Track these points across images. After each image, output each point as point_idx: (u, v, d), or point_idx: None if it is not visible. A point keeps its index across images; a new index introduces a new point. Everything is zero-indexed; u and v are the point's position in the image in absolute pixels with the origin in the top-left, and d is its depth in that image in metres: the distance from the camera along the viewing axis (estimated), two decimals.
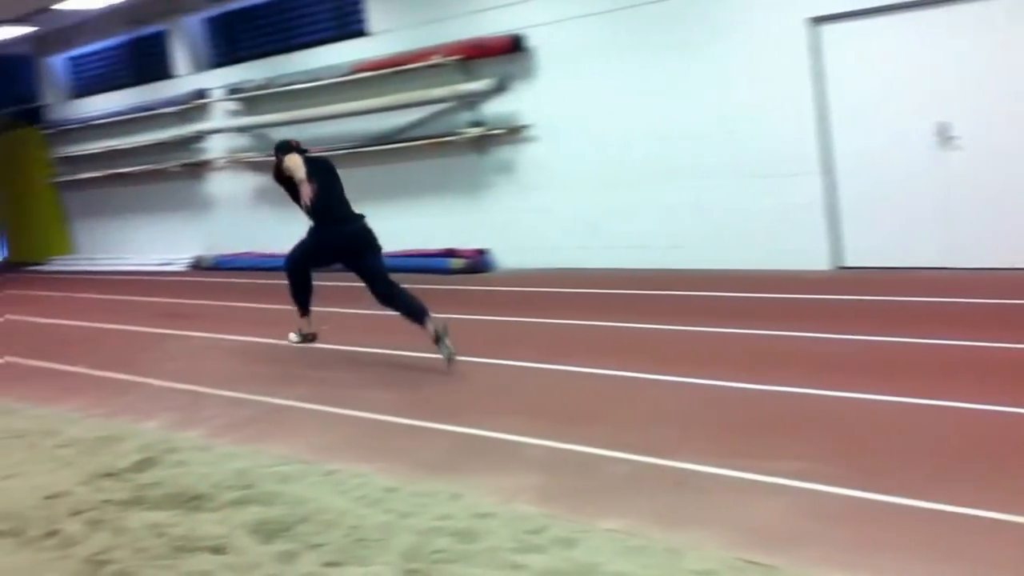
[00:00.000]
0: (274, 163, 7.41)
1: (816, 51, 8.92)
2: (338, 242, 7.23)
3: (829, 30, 8.86)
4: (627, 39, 10.06)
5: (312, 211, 7.08)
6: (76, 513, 4.60)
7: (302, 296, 7.67)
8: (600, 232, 10.61)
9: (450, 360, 6.76)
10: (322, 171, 7.28)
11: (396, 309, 7.14)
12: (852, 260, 9.05)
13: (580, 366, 6.54)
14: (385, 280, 7.17)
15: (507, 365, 6.89)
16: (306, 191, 6.92)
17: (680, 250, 9.93)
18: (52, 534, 4.37)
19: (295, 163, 6.98)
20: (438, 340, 6.78)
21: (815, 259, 9.08)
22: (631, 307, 8.53)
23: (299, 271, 7.54)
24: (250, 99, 14.18)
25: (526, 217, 11.27)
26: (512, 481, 4.55)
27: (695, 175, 9.77)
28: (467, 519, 4.07)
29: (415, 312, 6.99)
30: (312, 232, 7.22)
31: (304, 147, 7.59)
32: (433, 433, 5.48)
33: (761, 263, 9.30)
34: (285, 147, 7.41)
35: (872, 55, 8.69)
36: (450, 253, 11.75)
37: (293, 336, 7.90)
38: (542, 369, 6.64)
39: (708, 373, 6.01)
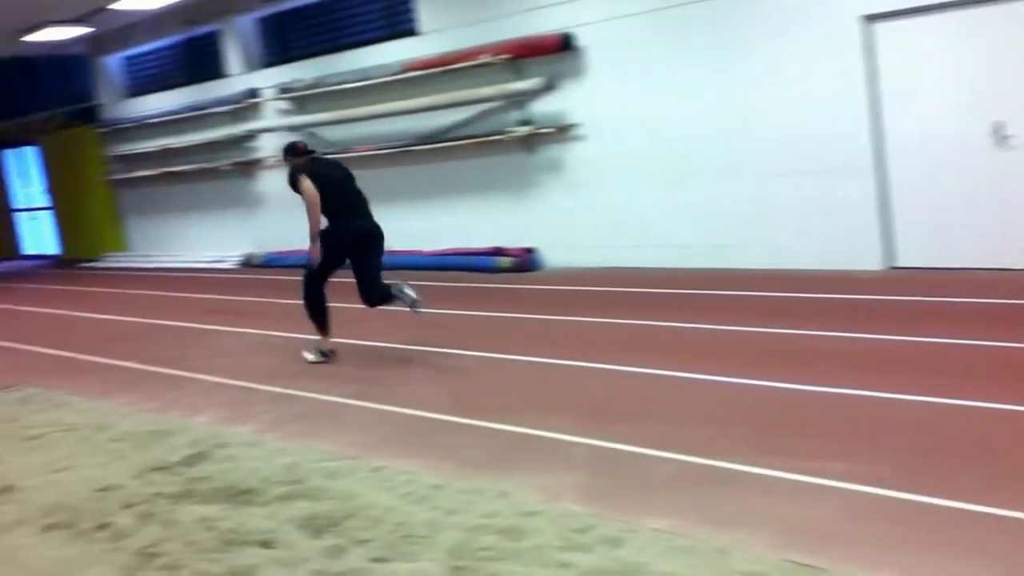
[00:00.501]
0: (289, 171, 7.57)
1: (870, 49, 8.80)
2: (354, 235, 7.47)
3: (883, 28, 8.73)
4: (677, 37, 10.01)
5: (328, 212, 7.34)
6: (128, 506, 4.67)
7: (319, 312, 7.66)
8: (647, 231, 10.56)
9: (415, 305, 7.31)
10: (336, 173, 7.60)
11: (383, 305, 7.55)
12: (904, 260, 8.92)
13: (626, 365, 6.51)
14: (379, 281, 7.45)
15: (553, 363, 6.88)
16: (312, 221, 7.27)
17: (728, 249, 9.86)
18: (104, 526, 4.43)
19: (311, 196, 7.23)
20: (411, 303, 7.32)
21: (866, 259, 8.97)
22: (678, 306, 8.49)
23: (317, 277, 7.58)
24: (301, 98, 14.29)
25: (574, 216, 11.26)
26: (558, 479, 4.54)
27: (745, 173, 9.69)
28: (513, 517, 4.07)
29: (390, 299, 7.41)
30: (327, 232, 7.39)
31: (312, 148, 7.91)
32: (479, 431, 5.49)
33: (811, 262, 9.20)
34: (293, 150, 7.70)
35: (926, 53, 8.56)
36: (498, 252, 11.77)
37: (309, 355, 7.68)
38: (588, 368, 6.63)
39: (754, 373, 5.97)
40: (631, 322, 7.98)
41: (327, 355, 7.66)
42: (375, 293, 7.43)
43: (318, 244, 7.31)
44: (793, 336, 6.94)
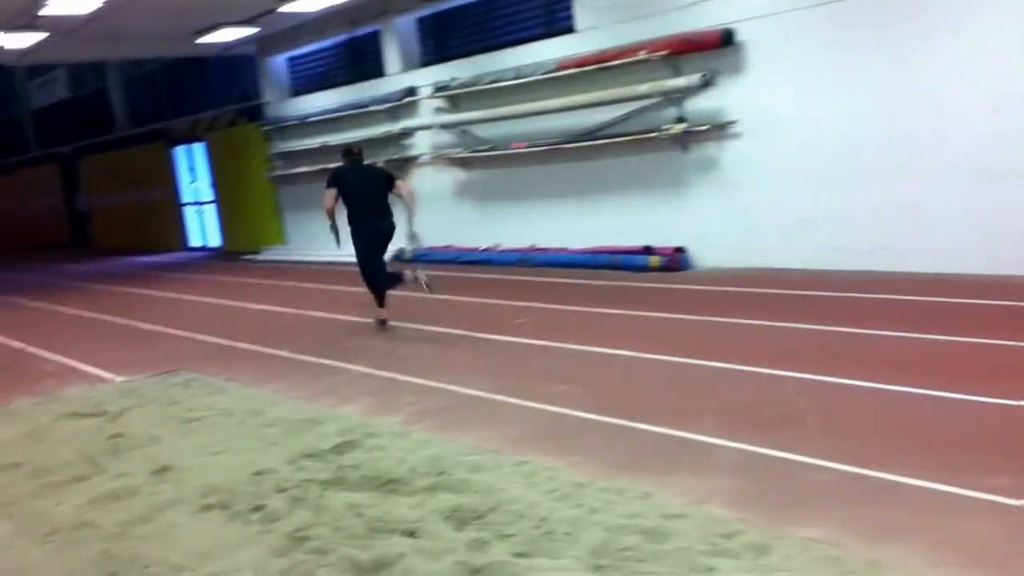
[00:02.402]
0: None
1: None
2: (368, 233, 8.90)
3: None
4: (842, 31, 9.68)
5: (348, 208, 8.89)
6: (280, 490, 4.79)
7: (382, 282, 9.09)
8: (803, 232, 10.26)
9: (429, 287, 8.93)
10: (360, 178, 9.03)
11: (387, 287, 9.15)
12: None
13: (776, 369, 6.34)
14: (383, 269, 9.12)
15: (700, 365, 6.75)
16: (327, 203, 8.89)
17: (888, 252, 9.50)
18: (258, 509, 4.55)
19: (326, 194, 8.90)
20: (415, 280, 8.92)
21: None
22: (833, 309, 8.20)
23: (371, 271, 9.06)
24: (456, 96, 14.46)
25: (727, 215, 11.03)
26: (704, 483, 4.44)
27: (909, 173, 9.31)
28: (657, 518, 3.99)
29: (392, 283, 9.13)
30: (351, 232, 8.89)
31: (361, 152, 9.40)
32: (623, 430, 5.42)
33: (980, 267, 8.75)
34: (348, 152, 9.29)
35: None
36: (648, 250, 11.64)
37: (422, 280, 8.98)
38: (736, 370, 6.48)
39: (913, 381, 5.73)
40: (782, 325, 7.77)
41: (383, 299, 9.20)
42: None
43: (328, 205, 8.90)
44: (956, 344, 6.63)
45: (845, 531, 3.78)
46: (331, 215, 8.88)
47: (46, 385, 7.99)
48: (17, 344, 10.30)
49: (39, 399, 7.43)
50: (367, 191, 8.92)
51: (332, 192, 8.84)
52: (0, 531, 4.64)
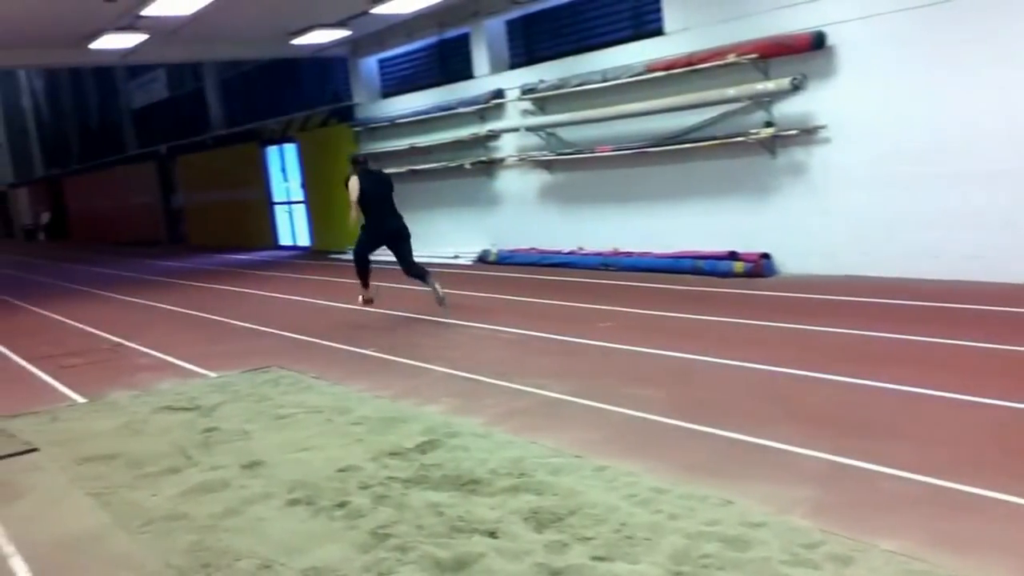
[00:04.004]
0: (348, 173, 10.19)
1: None
2: (383, 231, 10.16)
3: None
4: (937, 35, 9.48)
5: (366, 213, 10.08)
6: (364, 487, 4.88)
7: (363, 272, 10.34)
8: (892, 239, 10.08)
9: (442, 304, 10.03)
10: (378, 183, 10.14)
11: (415, 278, 10.29)
12: None
13: (861, 378, 6.25)
14: (411, 261, 10.27)
15: (782, 372, 6.69)
16: (353, 210, 10.06)
17: (980, 261, 9.28)
18: (342, 505, 4.65)
19: (353, 186, 9.90)
20: (440, 301, 10.04)
21: None
22: (920, 318, 8.06)
23: (363, 258, 10.29)
24: (543, 99, 14.51)
25: (814, 221, 10.89)
26: (786, 492, 4.42)
27: (1002, 180, 9.09)
28: (737, 526, 3.99)
29: (424, 277, 10.16)
30: (365, 227, 10.17)
31: (367, 160, 10.67)
32: (704, 436, 5.41)
33: None
34: (356, 160, 10.41)
35: None
36: (732, 256, 11.55)
37: (359, 299, 10.57)
38: (820, 379, 6.41)
39: (996, 393, 5.61)
40: (866, 333, 7.65)
41: (368, 300, 10.51)
42: (412, 270, 10.24)
43: (355, 213, 10.12)
44: None
45: (929, 543, 3.73)
46: (356, 208, 10.05)
47: (142, 378, 8.26)
48: (116, 338, 10.66)
49: (136, 392, 7.70)
50: (383, 194, 10.08)
51: (355, 181, 9.87)
52: (98, 521, 4.81)
